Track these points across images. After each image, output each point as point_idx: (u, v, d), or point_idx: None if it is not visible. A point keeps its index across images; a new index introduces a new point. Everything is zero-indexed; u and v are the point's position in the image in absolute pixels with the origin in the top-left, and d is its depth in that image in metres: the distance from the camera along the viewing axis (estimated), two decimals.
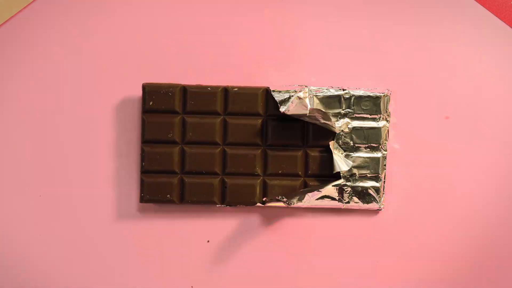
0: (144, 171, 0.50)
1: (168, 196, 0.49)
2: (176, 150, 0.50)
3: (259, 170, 0.50)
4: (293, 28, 0.52)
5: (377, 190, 0.50)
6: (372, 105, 0.50)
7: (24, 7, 0.51)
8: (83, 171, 0.51)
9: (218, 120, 0.50)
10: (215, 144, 0.50)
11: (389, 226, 0.51)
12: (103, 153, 0.51)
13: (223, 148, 0.50)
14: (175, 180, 0.50)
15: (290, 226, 0.51)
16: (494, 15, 0.51)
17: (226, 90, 0.50)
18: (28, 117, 0.51)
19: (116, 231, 0.51)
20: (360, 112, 0.50)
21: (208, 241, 0.51)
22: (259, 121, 0.50)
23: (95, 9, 0.51)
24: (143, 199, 0.50)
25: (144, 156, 0.50)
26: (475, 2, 0.51)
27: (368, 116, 0.50)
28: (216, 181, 0.50)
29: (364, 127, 0.50)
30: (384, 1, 0.52)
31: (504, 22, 0.51)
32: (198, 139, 0.50)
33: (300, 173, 0.50)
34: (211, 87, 0.49)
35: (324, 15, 0.51)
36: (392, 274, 0.51)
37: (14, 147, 0.50)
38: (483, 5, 0.51)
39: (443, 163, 0.51)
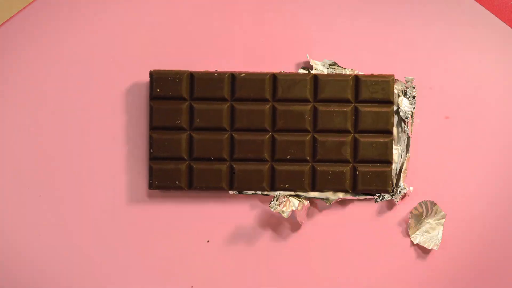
0: (153, 158, 0.50)
1: (177, 182, 0.50)
2: (184, 136, 0.50)
3: (267, 156, 0.50)
4: (297, 17, 0.52)
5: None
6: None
7: None
8: (91, 159, 0.51)
9: (225, 106, 0.50)
10: (223, 130, 0.50)
11: (387, 226, 0.51)
12: (112, 139, 0.51)
13: (230, 134, 0.50)
14: (183, 166, 0.50)
15: (293, 221, 0.51)
16: (494, 15, 0.51)
17: (233, 76, 0.49)
18: (34, 108, 0.51)
19: (115, 231, 0.51)
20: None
21: (208, 241, 0.51)
22: (267, 106, 0.50)
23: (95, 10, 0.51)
24: (152, 185, 0.50)
25: (152, 143, 0.50)
26: (475, 2, 0.51)
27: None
28: (224, 167, 0.50)
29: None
30: (383, 1, 0.51)
31: (504, 22, 0.51)
32: (205, 125, 0.50)
33: (308, 158, 0.50)
34: (218, 73, 0.49)
35: (327, 15, 0.51)
36: (389, 274, 0.51)
37: (19, 135, 0.51)
38: (483, 5, 0.51)
39: (442, 163, 0.51)
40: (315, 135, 0.50)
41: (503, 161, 0.51)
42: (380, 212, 0.51)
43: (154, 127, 0.50)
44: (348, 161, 0.50)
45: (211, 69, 0.51)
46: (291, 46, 0.51)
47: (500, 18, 0.51)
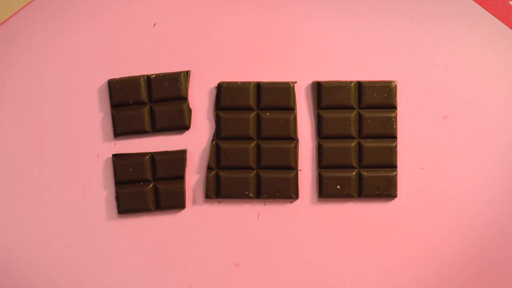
0: (118, 182, 0.49)
1: (144, 204, 0.49)
2: (146, 159, 0.49)
3: (252, 163, 0.49)
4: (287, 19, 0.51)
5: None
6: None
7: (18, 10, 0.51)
8: (87, 160, 0.50)
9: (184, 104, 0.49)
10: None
11: (386, 226, 0.50)
12: (100, 150, 0.50)
13: (217, 143, 0.49)
14: (149, 188, 0.49)
15: (289, 222, 0.50)
16: (493, 15, 0.51)
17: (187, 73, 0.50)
18: (23, 119, 0.50)
19: (114, 229, 0.50)
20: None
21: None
22: (252, 114, 0.49)
23: (92, 8, 0.51)
24: (120, 210, 0.49)
25: (116, 168, 0.49)
26: (473, 2, 0.51)
27: None
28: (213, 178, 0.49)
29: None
30: (381, 1, 0.51)
31: (503, 22, 0.51)
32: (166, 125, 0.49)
33: (292, 165, 0.49)
34: (176, 73, 0.49)
35: (325, 15, 0.51)
36: (389, 274, 0.50)
37: (10, 148, 0.50)
38: (482, 5, 0.51)
39: (440, 163, 0.50)
40: (320, 141, 0.49)
41: (502, 161, 0.50)
42: (380, 211, 0.50)
43: (118, 133, 0.49)
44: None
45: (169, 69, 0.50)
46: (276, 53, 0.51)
47: (499, 18, 0.51)
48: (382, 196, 0.49)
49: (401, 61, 0.51)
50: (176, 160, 0.49)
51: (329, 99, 0.49)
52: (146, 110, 0.49)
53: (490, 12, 0.51)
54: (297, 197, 0.49)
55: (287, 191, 0.49)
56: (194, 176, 0.50)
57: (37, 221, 0.50)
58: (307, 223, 0.50)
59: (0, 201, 0.50)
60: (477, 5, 0.51)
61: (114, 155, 0.49)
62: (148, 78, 0.49)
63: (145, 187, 0.48)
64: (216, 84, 0.50)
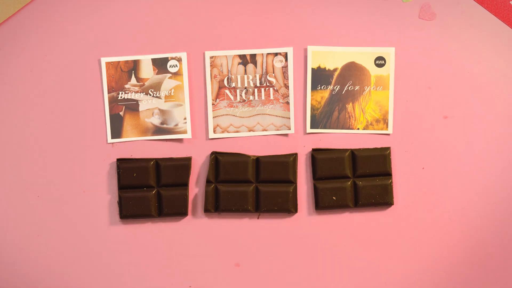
0: (121, 187, 0.49)
1: (147, 210, 0.49)
2: (151, 165, 0.49)
3: (251, 178, 0.49)
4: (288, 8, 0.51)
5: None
6: None
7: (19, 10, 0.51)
8: (82, 173, 0.50)
9: None
10: None
11: (384, 235, 0.50)
12: (101, 154, 0.50)
13: (215, 157, 0.49)
14: (151, 194, 0.49)
15: (287, 227, 0.50)
16: (493, 15, 0.51)
17: None
18: (24, 119, 0.50)
19: (114, 230, 0.50)
20: None
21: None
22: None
23: (93, 7, 0.51)
24: (122, 215, 0.49)
25: (120, 173, 0.49)
26: (474, 2, 0.51)
27: None
28: (210, 189, 0.49)
29: None
30: (384, 1, 0.51)
31: (503, 22, 0.51)
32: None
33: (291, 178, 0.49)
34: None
35: (328, 13, 0.51)
36: (390, 274, 0.50)
37: (11, 149, 0.50)
38: (482, 5, 0.51)
39: (440, 162, 0.50)
40: (313, 153, 0.49)
41: (502, 160, 0.50)
42: (377, 220, 0.50)
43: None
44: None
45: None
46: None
47: (499, 18, 0.51)
48: (378, 204, 0.49)
49: (401, 61, 0.50)
50: (181, 167, 0.49)
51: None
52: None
53: (491, 12, 0.50)
54: (296, 210, 0.49)
55: (285, 205, 0.48)
56: (194, 185, 0.50)
57: (37, 221, 0.50)
58: (305, 235, 0.50)
59: (0, 201, 0.50)
60: (477, 5, 0.50)
61: (118, 160, 0.49)
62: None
63: (148, 193, 0.48)
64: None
